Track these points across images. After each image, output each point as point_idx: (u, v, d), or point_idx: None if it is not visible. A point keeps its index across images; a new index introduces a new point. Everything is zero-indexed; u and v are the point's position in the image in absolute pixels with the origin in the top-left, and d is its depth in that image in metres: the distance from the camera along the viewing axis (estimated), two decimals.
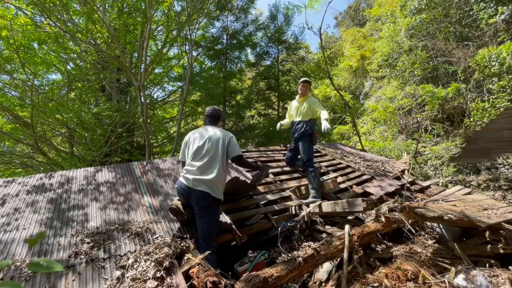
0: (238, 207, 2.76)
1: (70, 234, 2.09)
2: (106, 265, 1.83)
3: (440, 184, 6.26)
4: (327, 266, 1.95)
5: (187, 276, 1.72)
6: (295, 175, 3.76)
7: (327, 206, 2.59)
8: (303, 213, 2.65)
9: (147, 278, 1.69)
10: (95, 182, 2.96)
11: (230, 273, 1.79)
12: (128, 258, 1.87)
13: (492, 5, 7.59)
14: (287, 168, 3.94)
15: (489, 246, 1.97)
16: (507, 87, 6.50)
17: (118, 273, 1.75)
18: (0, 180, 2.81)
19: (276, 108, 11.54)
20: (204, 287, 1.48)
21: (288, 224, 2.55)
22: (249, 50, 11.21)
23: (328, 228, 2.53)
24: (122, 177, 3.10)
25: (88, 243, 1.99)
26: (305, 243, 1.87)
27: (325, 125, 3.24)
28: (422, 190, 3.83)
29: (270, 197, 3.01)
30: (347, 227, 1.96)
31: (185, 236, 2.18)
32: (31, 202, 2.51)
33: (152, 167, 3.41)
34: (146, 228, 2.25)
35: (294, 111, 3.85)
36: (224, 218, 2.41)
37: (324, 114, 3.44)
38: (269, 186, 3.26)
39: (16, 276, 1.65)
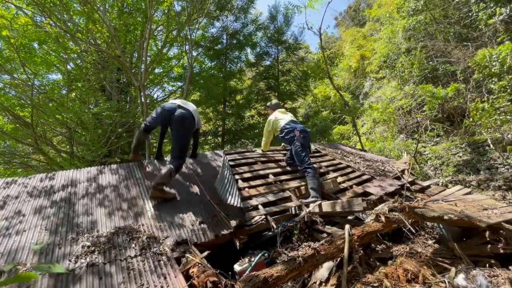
0: None
1: (70, 238, 2.09)
2: (106, 270, 1.82)
3: (440, 184, 6.26)
4: (327, 266, 1.95)
5: (187, 276, 1.72)
6: (295, 175, 3.76)
7: (327, 206, 2.58)
8: (303, 213, 2.65)
9: (147, 278, 1.69)
10: (98, 183, 2.94)
11: (230, 273, 1.79)
12: (128, 262, 1.87)
13: (491, 5, 7.60)
14: (287, 168, 3.94)
15: (489, 246, 1.97)
16: (507, 87, 6.50)
17: (118, 277, 1.75)
18: (0, 180, 2.79)
19: None
20: (204, 287, 1.48)
21: (288, 224, 2.55)
22: (249, 50, 11.22)
23: (328, 228, 2.52)
24: (125, 179, 3.07)
25: (88, 247, 1.99)
26: (305, 243, 1.86)
27: None
28: (422, 190, 3.82)
29: (270, 197, 3.02)
30: (347, 227, 1.96)
31: (185, 239, 2.18)
32: (32, 203, 2.50)
33: (155, 168, 3.39)
34: (147, 231, 2.24)
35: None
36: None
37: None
38: (269, 187, 3.27)
39: None
